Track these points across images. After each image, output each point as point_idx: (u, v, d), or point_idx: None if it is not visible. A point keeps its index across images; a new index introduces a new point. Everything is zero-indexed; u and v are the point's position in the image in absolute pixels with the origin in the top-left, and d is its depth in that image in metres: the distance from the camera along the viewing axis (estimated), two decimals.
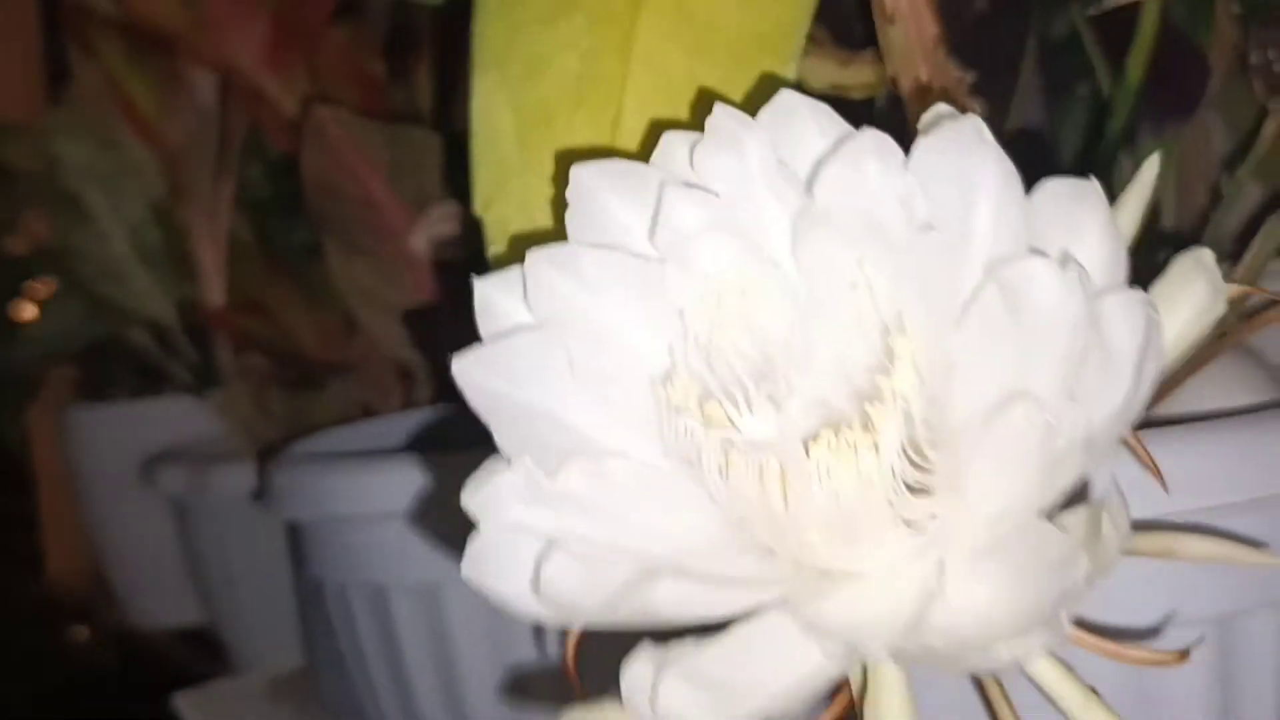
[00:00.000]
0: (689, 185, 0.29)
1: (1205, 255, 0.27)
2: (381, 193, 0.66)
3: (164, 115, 0.82)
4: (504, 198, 0.34)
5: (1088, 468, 0.26)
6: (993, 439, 0.27)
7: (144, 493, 0.98)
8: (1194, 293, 0.28)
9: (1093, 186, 0.26)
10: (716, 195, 0.29)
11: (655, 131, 0.31)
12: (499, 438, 0.30)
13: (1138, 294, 0.25)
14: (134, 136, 0.88)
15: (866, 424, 0.28)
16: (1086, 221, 0.26)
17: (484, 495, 0.29)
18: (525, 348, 0.30)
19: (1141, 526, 0.28)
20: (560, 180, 0.31)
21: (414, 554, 0.61)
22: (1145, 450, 0.32)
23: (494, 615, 0.64)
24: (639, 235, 0.30)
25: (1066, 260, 0.26)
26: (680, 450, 0.30)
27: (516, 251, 0.31)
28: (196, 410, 0.97)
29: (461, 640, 0.62)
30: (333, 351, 0.81)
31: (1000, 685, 0.33)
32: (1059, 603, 0.25)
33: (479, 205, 0.35)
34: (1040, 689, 0.31)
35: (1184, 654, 0.30)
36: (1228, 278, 0.44)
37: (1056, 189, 0.26)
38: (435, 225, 0.64)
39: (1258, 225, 0.52)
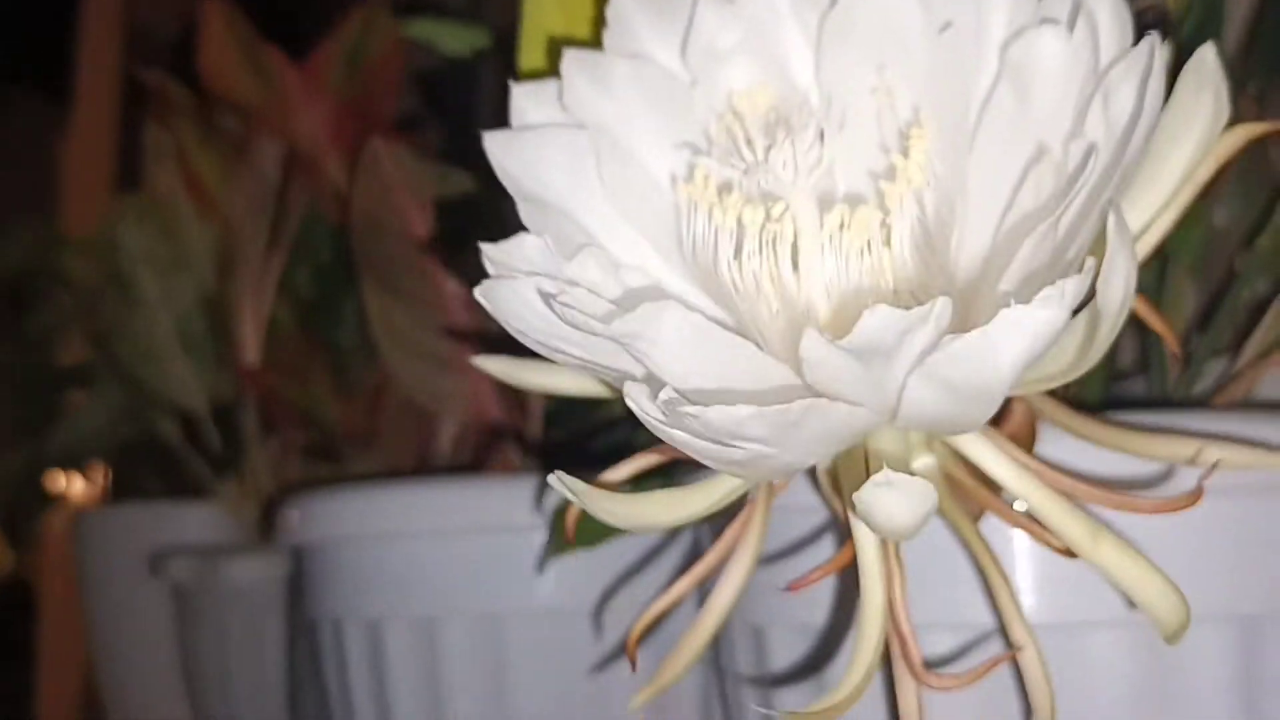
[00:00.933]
0: (720, 4, 0.31)
1: (1209, 58, 0.28)
2: (426, 233, 0.68)
3: (227, 189, 0.86)
4: (547, 11, 0.36)
5: (1089, 227, 0.27)
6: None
7: (147, 591, 0.98)
8: (1204, 103, 0.29)
9: None
10: (745, 17, 0.31)
11: None
12: (523, 216, 0.31)
13: (1139, 58, 0.26)
14: (195, 225, 0.92)
15: (880, 202, 0.29)
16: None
17: (507, 250, 0.30)
18: (554, 141, 0.31)
19: None
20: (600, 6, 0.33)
21: (413, 585, 0.61)
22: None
23: (488, 650, 0.63)
24: (671, 54, 0.32)
25: (1073, 23, 0.27)
26: (696, 255, 0.30)
27: (553, 64, 0.32)
28: (213, 515, 0.99)
29: (454, 679, 0.61)
30: (357, 424, 0.82)
31: (993, 558, 0.33)
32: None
33: (525, 18, 0.37)
34: (1047, 522, 0.31)
35: (1195, 496, 0.29)
36: None
37: None
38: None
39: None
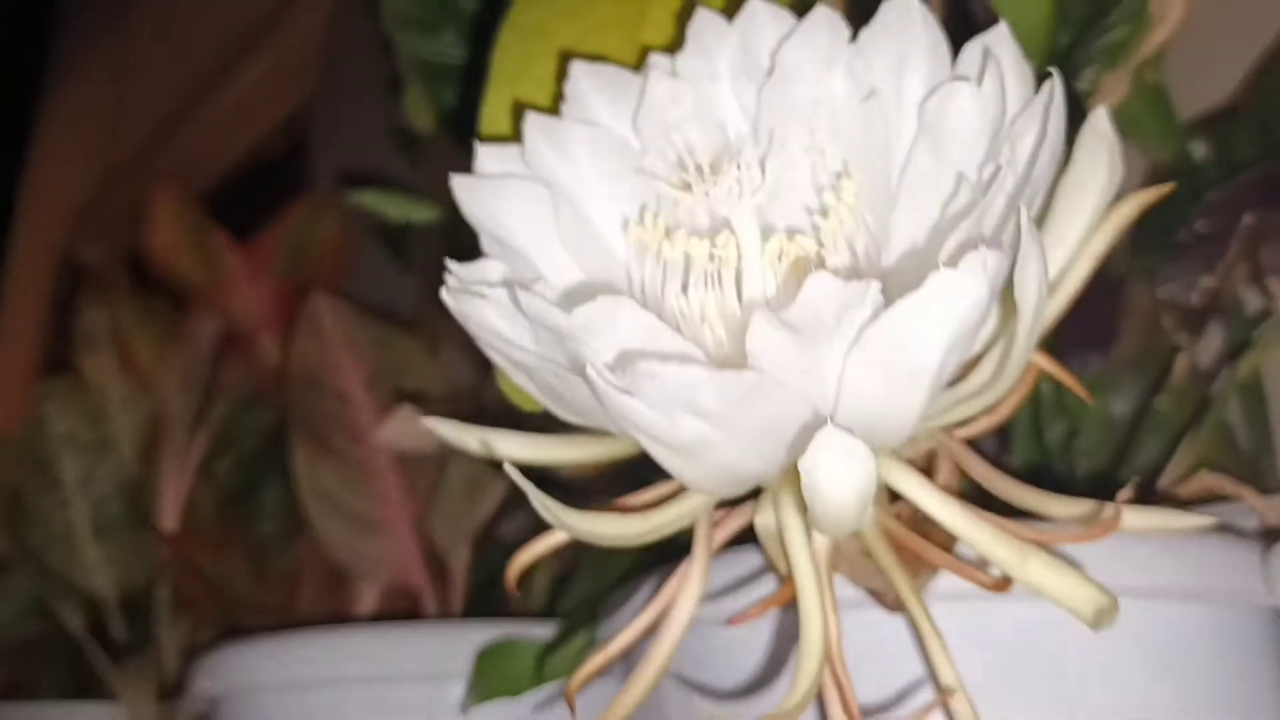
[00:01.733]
0: (669, 81, 0.35)
1: (1102, 122, 0.32)
2: (360, 392, 0.70)
3: (160, 368, 0.87)
4: (509, 85, 0.38)
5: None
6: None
7: None
8: (1100, 165, 0.32)
9: (1002, 30, 0.31)
10: (690, 92, 0.35)
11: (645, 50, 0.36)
12: (485, 249, 0.33)
13: (1038, 104, 0.30)
14: (122, 406, 0.92)
15: (816, 235, 0.31)
16: (1002, 56, 0.31)
17: (474, 269, 0.32)
18: (516, 190, 0.34)
19: None
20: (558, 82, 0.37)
21: None
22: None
23: None
24: (624, 126, 0.35)
25: (981, 76, 0.31)
26: (645, 294, 0.33)
27: (514, 131, 0.35)
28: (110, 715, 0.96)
29: None
30: (272, 606, 0.81)
31: (931, 624, 0.34)
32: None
33: (489, 91, 0.39)
34: (977, 548, 0.32)
35: (1113, 522, 0.31)
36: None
37: (974, 44, 0.32)
38: (406, 424, 0.67)
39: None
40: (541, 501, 0.30)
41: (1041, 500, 0.34)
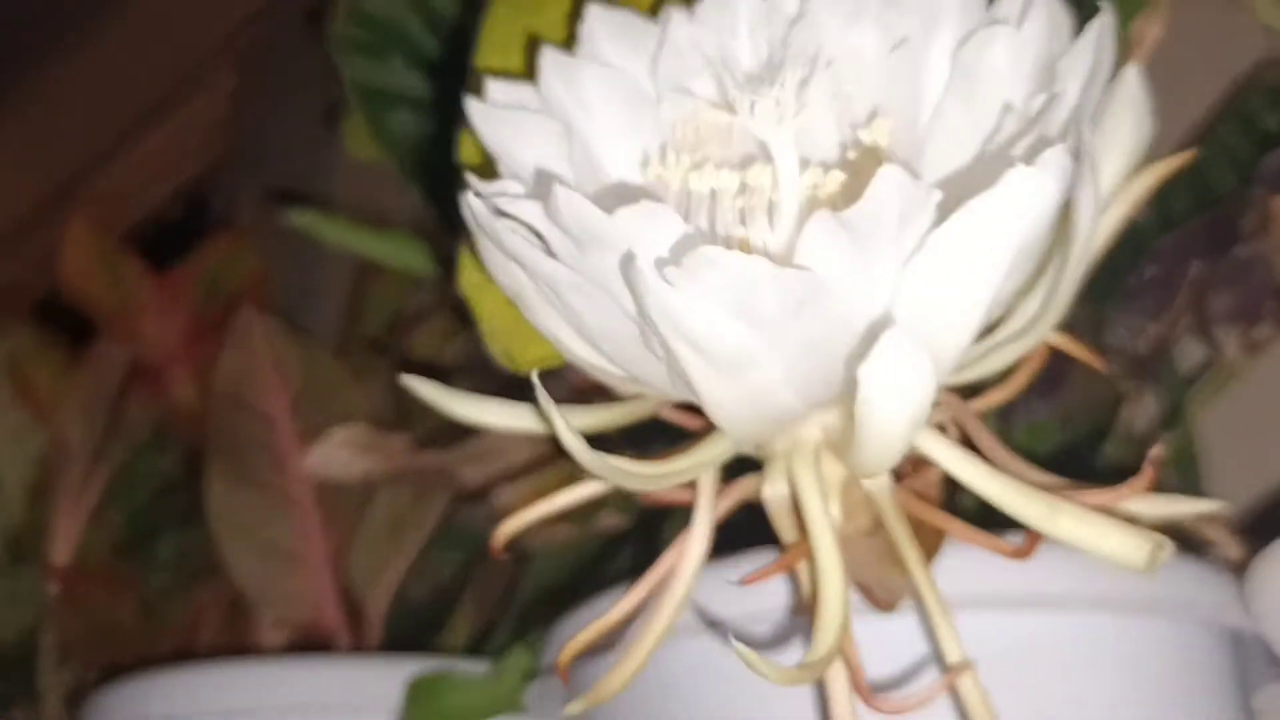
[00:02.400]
0: (689, 26, 0.34)
1: (1131, 80, 0.32)
2: (285, 416, 0.66)
3: (59, 399, 0.82)
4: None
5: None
6: None
7: None
8: (1127, 127, 0.32)
9: None
10: (710, 40, 0.34)
11: None
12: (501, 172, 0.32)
13: (1088, 40, 0.29)
14: (12, 443, 0.87)
15: (845, 166, 0.30)
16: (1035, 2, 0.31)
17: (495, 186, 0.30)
18: (530, 122, 0.32)
19: None
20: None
21: None
22: None
23: None
24: (640, 71, 0.34)
25: (1021, 22, 0.30)
26: None
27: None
28: None
29: None
30: (164, 645, 0.76)
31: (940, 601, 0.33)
32: None
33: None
34: (1005, 506, 0.31)
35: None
36: None
37: None
38: (335, 449, 0.64)
39: None
40: (562, 428, 0.28)
41: (1053, 483, 0.33)
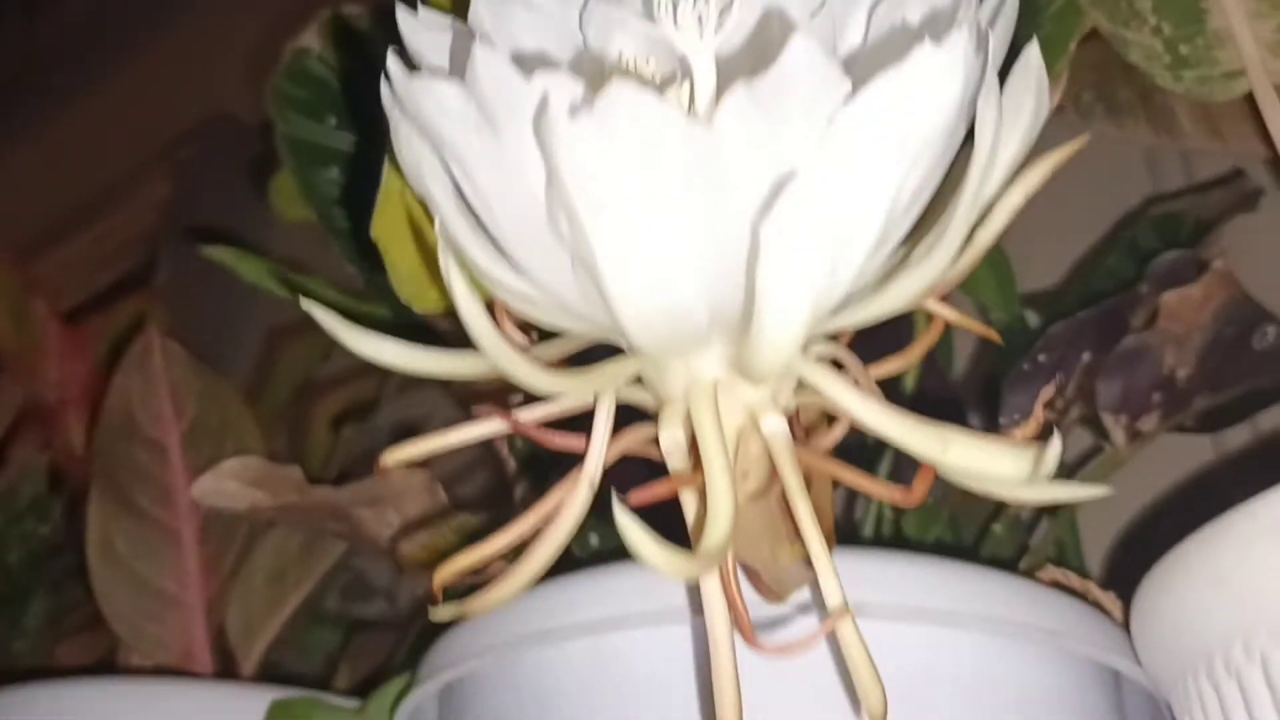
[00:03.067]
0: None
1: (1033, 55, 0.33)
2: (177, 447, 0.65)
3: None
4: None
5: None
6: None
7: None
8: (1029, 100, 0.33)
9: None
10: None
11: None
12: None
13: None
14: None
15: None
16: None
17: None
18: (454, 41, 0.33)
19: None
20: None
21: None
22: None
23: None
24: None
25: None
26: None
27: None
28: None
29: None
30: None
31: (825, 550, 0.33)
32: None
33: None
34: (897, 440, 0.31)
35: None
36: None
37: None
38: (223, 480, 0.63)
39: None
40: (461, 295, 0.28)
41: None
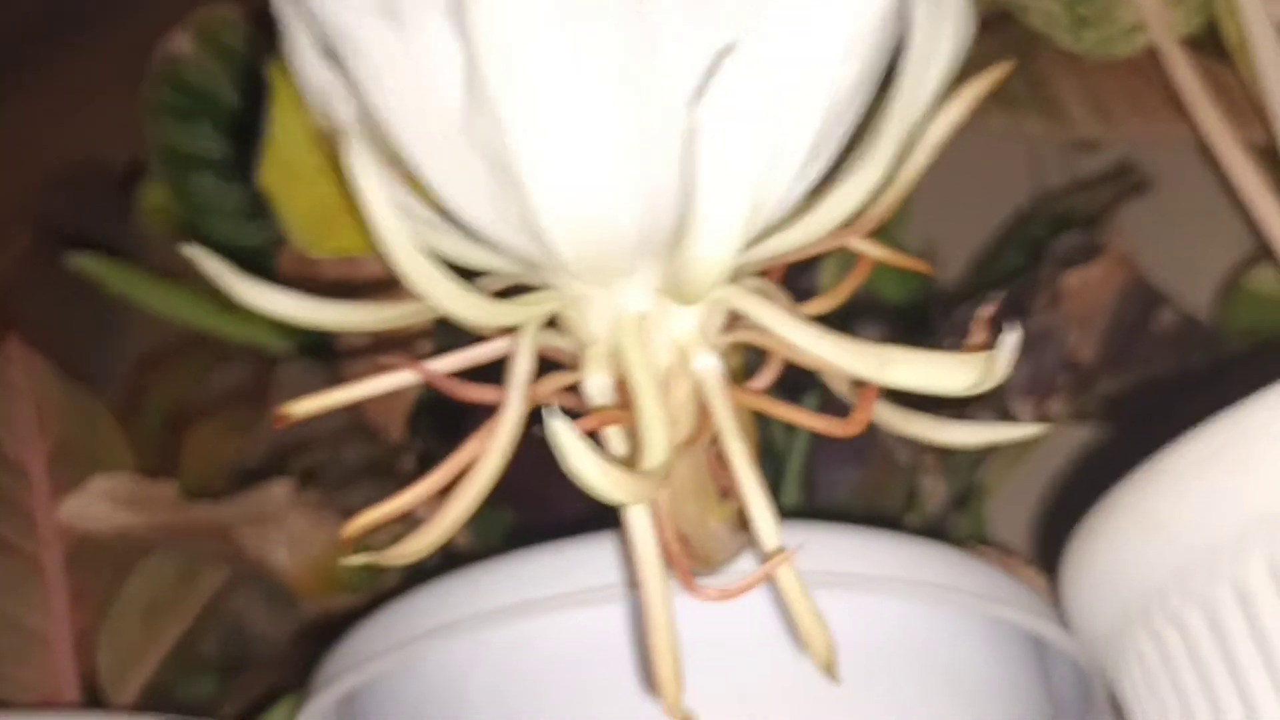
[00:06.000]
0: None
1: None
2: (41, 469, 0.60)
3: None
4: None
5: None
6: None
7: None
8: (946, 31, 0.33)
9: None
10: None
11: None
12: None
13: None
14: None
15: None
16: None
17: None
18: None
19: None
20: None
21: None
22: None
23: None
24: None
25: None
26: None
27: None
28: None
29: None
30: None
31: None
32: None
33: None
34: (837, 364, 0.29)
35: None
36: None
37: None
38: (93, 500, 0.58)
39: None
40: (374, 200, 0.25)
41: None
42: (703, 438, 0.33)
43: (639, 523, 0.30)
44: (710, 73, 0.24)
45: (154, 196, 0.73)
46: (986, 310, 0.31)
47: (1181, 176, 0.70)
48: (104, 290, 0.64)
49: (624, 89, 0.25)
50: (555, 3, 0.24)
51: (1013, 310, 0.64)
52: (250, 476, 0.72)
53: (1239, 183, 0.47)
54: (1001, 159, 0.78)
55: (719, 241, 0.26)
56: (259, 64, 0.69)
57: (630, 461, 0.30)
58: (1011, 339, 0.27)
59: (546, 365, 0.33)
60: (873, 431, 0.65)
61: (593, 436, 0.28)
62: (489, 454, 0.30)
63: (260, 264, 0.65)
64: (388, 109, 0.28)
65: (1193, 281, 0.68)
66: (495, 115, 0.25)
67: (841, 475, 0.62)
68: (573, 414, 0.29)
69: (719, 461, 0.33)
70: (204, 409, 0.79)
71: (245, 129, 0.69)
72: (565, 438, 0.24)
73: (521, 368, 0.31)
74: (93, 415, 0.61)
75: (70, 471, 0.60)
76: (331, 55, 0.29)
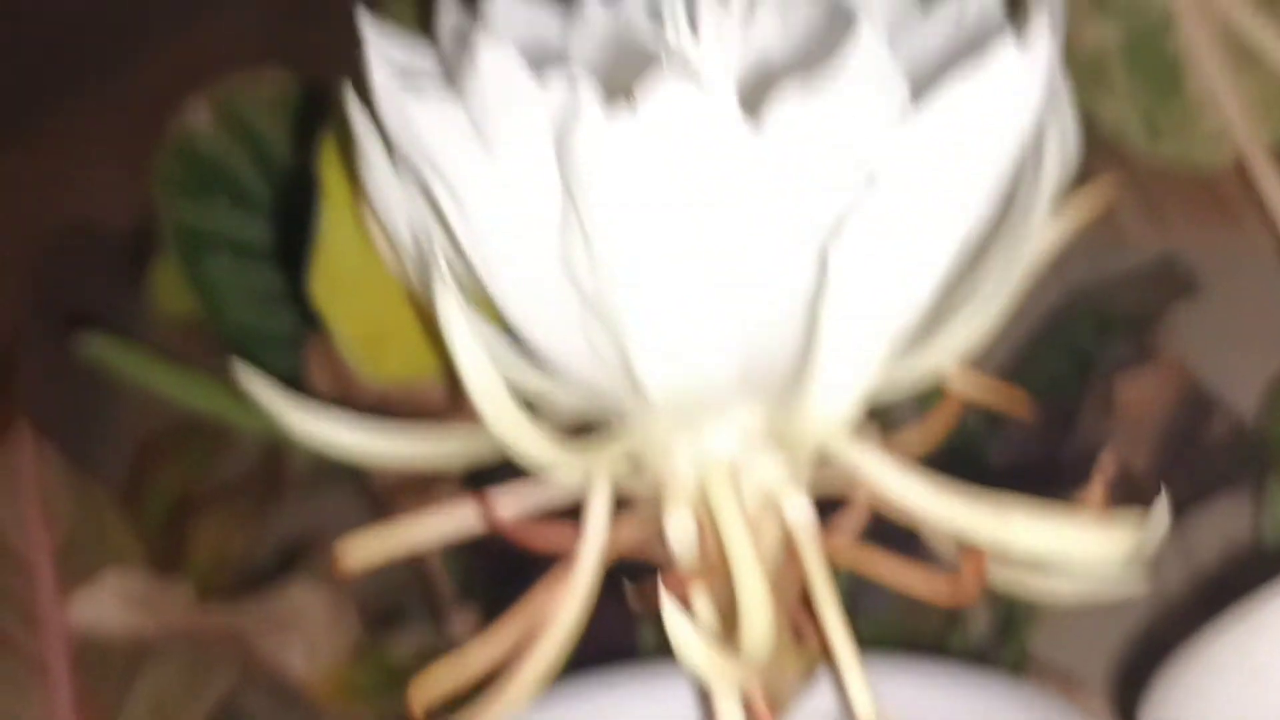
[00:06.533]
0: None
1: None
2: (48, 565, 0.57)
3: None
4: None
5: None
6: None
7: None
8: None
9: None
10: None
11: None
12: None
13: None
14: None
15: None
16: None
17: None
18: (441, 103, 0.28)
19: None
20: None
21: None
22: None
23: None
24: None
25: None
26: None
27: None
28: None
29: None
30: None
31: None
32: None
33: None
34: (953, 524, 0.27)
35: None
36: None
37: None
38: (104, 598, 0.56)
39: None
40: (461, 342, 0.23)
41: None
42: (788, 584, 0.30)
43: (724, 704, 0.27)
44: (840, 221, 0.22)
45: (166, 275, 0.70)
46: (1108, 464, 0.29)
47: (1221, 276, 0.68)
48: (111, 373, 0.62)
49: (743, 226, 0.23)
50: (678, 139, 0.21)
51: (1063, 421, 0.62)
52: (259, 571, 0.69)
53: None
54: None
55: (840, 398, 0.23)
56: (281, 141, 0.67)
57: (723, 621, 0.27)
58: (1162, 507, 0.25)
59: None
60: (916, 545, 0.63)
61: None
62: (563, 611, 0.28)
63: (283, 353, 0.63)
64: (472, 236, 0.26)
65: (1239, 385, 0.66)
66: (595, 248, 0.23)
67: (884, 594, 0.60)
68: (642, 564, 0.27)
69: (798, 603, 0.31)
70: (209, 497, 0.76)
71: (266, 209, 0.68)
72: (682, 634, 0.22)
73: (598, 518, 0.28)
74: (100, 506, 0.59)
75: (77, 565, 0.58)
76: (408, 172, 0.27)
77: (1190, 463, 0.62)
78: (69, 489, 0.58)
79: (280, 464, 0.83)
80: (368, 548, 0.29)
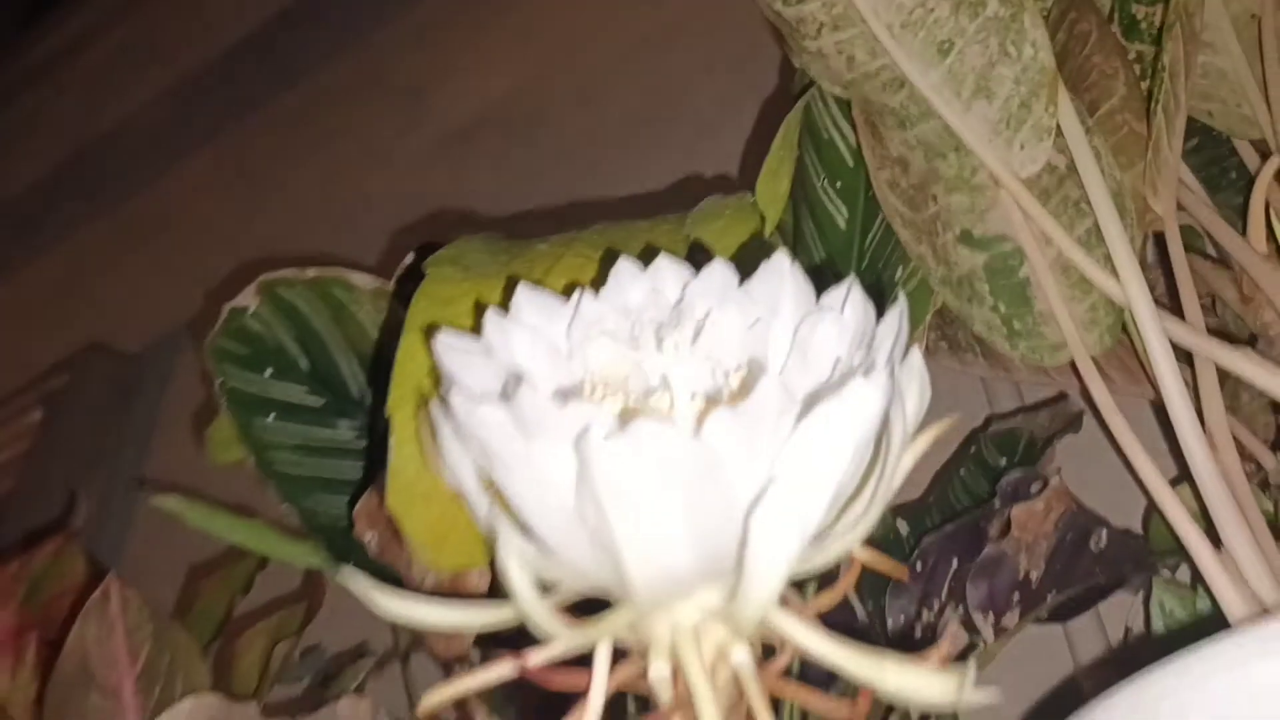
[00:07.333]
0: (596, 303, 0.44)
1: (915, 358, 0.44)
2: (130, 693, 0.68)
3: None
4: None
5: None
6: None
7: None
8: (913, 392, 0.44)
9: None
10: (612, 311, 0.44)
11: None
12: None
13: (892, 317, 0.41)
14: None
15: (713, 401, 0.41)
16: (854, 293, 0.43)
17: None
18: (476, 360, 0.41)
19: None
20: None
21: None
22: None
23: None
24: (556, 332, 0.44)
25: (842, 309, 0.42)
26: None
27: None
28: None
29: None
30: None
31: None
32: None
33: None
34: (845, 671, 0.39)
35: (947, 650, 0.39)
36: None
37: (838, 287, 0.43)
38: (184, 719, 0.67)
39: None
40: (520, 585, 0.36)
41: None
42: (739, 711, 0.42)
43: None
44: (758, 493, 0.35)
45: (220, 432, 0.82)
46: (952, 629, 0.41)
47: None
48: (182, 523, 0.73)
49: (693, 500, 0.36)
50: (652, 454, 0.34)
51: (972, 537, 0.74)
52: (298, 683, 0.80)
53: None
54: (963, 387, 0.90)
55: (764, 601, 0.36)
56: (319, 317, 0.79)
57: None
58: (972, 670, 0.37)
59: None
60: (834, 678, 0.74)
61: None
62: None
63: (326, 495, 0.75)
64: (512, 488, 0.38)
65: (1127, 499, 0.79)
66: (601, 512, 0.36)
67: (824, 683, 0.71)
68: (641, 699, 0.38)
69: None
70: (251, 616, 0.88)
71: (305, 373, 0.80)
72: None
73: (602, 667, 0.40)
74: (174, 637, 0.70)
75: (154, 690, 0.69)
76: (470, 441, 0.39)
77: (1079, 570, 0.73)
78: (149, 625, 0.69)
79: (319, 587, 0.94)
80: (441, 694, 0.41)
